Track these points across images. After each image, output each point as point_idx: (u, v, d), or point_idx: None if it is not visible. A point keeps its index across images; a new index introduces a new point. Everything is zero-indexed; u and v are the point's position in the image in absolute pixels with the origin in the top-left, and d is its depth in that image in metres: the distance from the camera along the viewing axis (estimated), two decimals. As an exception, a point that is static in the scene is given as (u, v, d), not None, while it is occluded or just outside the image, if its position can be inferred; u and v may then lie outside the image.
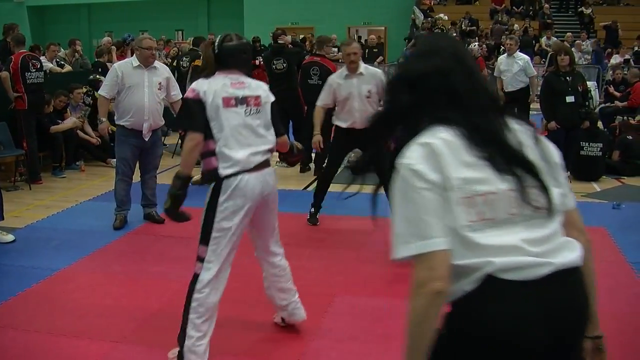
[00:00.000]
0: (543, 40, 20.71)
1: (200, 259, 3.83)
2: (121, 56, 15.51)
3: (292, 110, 9.43)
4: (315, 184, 7.85)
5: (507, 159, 1.91)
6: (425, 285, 1.79)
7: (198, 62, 9.67)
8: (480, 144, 1.92)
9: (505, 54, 10.81)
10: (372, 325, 4.59)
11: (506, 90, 10.33)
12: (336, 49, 16.70)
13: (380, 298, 5.08)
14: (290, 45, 11.00)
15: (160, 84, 6.89)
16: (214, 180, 3.84)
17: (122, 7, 29.14)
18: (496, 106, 2.07)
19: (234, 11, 27.41)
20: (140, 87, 6.76)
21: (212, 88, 3.83)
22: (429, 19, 23.06)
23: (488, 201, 1.88)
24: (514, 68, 10.36)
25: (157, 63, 7.03)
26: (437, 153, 1.89)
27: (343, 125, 6.72)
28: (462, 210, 1.86)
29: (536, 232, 1.91)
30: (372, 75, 6.64)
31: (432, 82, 2.01)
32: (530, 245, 1.88)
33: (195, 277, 3.84)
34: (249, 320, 4.67)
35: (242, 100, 3.90)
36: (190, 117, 3.84)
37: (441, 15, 23.74)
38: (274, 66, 9.95)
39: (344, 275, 5.57)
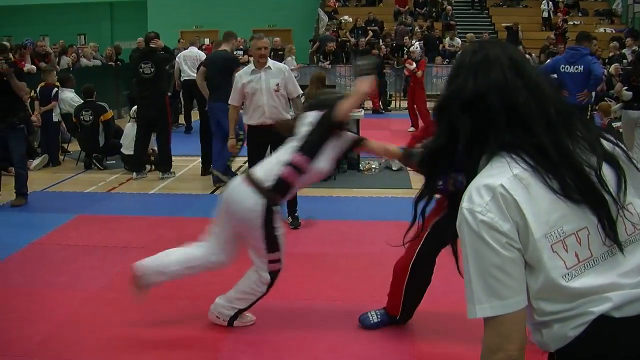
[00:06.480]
0: (446, 40, 21.17)
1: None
2: (20, 61, 15.09)
3: (157, 116, 9.36)
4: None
5: (580, 188, 1.69)
6: (497, 353, 1.65)
7: None
8: (551, 172, 1.69)
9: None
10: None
11: None
12: (241, 52, 16.65)
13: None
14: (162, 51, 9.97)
15: None
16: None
17: (23, 10, 28.08)
18: (565, 121, 1.78)
19: (138, 16, 26.93)
20: None
21: None
22: (334, 20, 23.27)
23: (580, 240, 1.68)
24: None
25: None
26: (510, 198, 1.66)
27: (254, 123, 6.68)
28: (556, 257, 1.67)
29: (626, 263, 1.71)
30: (279, 69, 6.72)
31: (492, 101, 1.74)
32: (625, 278, 1.70)
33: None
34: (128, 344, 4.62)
35: None
36: None
37: (345, 17, 24.01)
38: (141, 70, 9.53)
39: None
